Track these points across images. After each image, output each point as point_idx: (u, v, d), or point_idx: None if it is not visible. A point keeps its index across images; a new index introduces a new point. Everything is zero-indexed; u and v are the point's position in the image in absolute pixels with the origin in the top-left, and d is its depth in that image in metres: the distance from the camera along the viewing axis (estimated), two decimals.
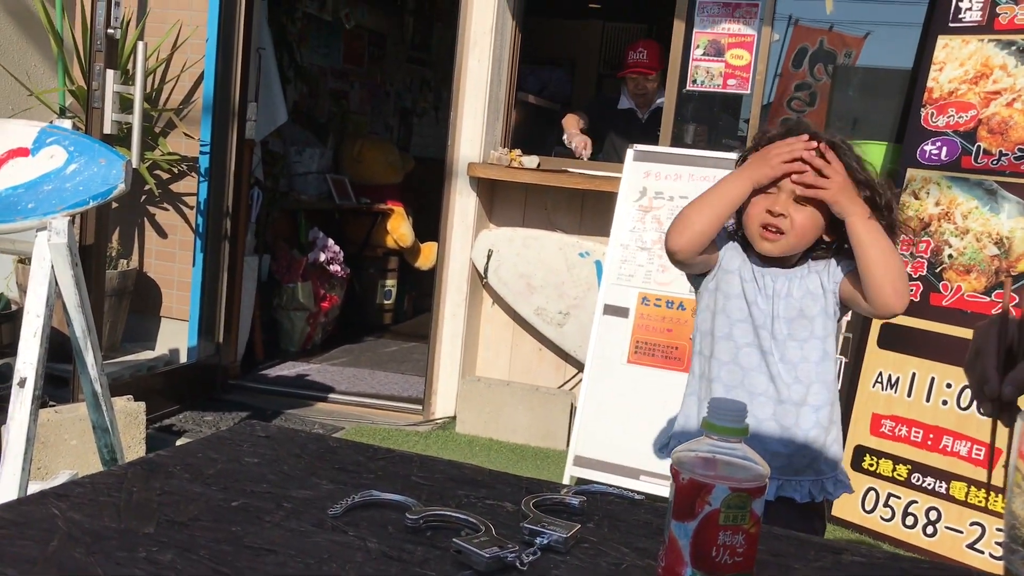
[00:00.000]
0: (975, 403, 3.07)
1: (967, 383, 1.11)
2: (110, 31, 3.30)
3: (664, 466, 1.13)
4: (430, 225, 5.33)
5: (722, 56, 3.92)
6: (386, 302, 6.20)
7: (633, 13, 8.29)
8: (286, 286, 5.18)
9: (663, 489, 2.92)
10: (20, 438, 2.40)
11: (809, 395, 1.73)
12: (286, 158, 5.56)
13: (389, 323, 6.22)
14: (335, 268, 5.41)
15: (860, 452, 3.36)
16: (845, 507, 3.37)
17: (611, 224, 3.51)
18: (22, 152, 2.52)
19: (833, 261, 1.75)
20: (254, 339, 4.92)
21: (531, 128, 5.03)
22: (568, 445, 3.56)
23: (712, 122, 4.80)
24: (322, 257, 5.31)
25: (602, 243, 3.76)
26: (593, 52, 9.10)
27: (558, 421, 4.01)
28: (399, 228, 6.06)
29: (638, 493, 1.16)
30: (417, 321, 6.25)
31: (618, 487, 1.17)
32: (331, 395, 4.51)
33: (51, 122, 2.71)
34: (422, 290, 6.28)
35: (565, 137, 4.49)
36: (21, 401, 2.42)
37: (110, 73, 3.30)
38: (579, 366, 4.09)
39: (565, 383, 4.25)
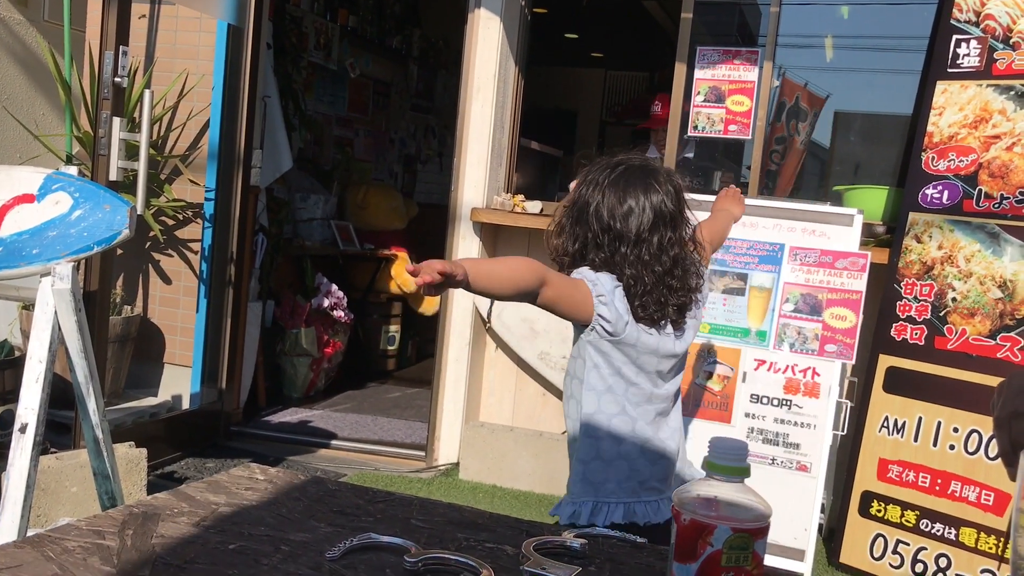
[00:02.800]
0: (983, 449, 3.05)
1: (976, 428, 1.08)
2: (117, 79, 3.35)
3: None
4: None
5: (723, 102, 3.96)
6: (390, 348, 6.19)
7: (635, 62, 8.39)
8: (290, 332, 5.18)
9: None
10: (20, 484, 2.39)
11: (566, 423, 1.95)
12: (291, 204, 5.59)
13: (392, 369, 6.21)
14: (339, 314, 5.41)
15: (867, 498, 3.33)
16: (853, 554, 3.32)
17: None
18: (28, 198, 2.53)
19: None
20: (257, 385, 4.90)
21: (534, 174, 5.07)
22: None
23: (714, 166, 4.84)
24: (326, 303, 5.31)
25: None
26: (596, 100, 9.21)
27: (562, 467, 3.95)
28: (402, 273, 6.07)
29: (641, 537, 1.14)
30: (421, 367, 6.23)
31: (620, 532, 1.15)
32: (334, 441, 4.48)
33: (57, 169, 2.73)
34: (425, 335, 6.27)
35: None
36: (22, 447, 2.41)
37: (116, 121, 3.34)
38: None
39: None
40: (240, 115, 4.28)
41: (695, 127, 4.02)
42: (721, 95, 3.96)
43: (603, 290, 1.74)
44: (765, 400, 3.26)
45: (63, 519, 2.97)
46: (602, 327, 1.75)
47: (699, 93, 3.99)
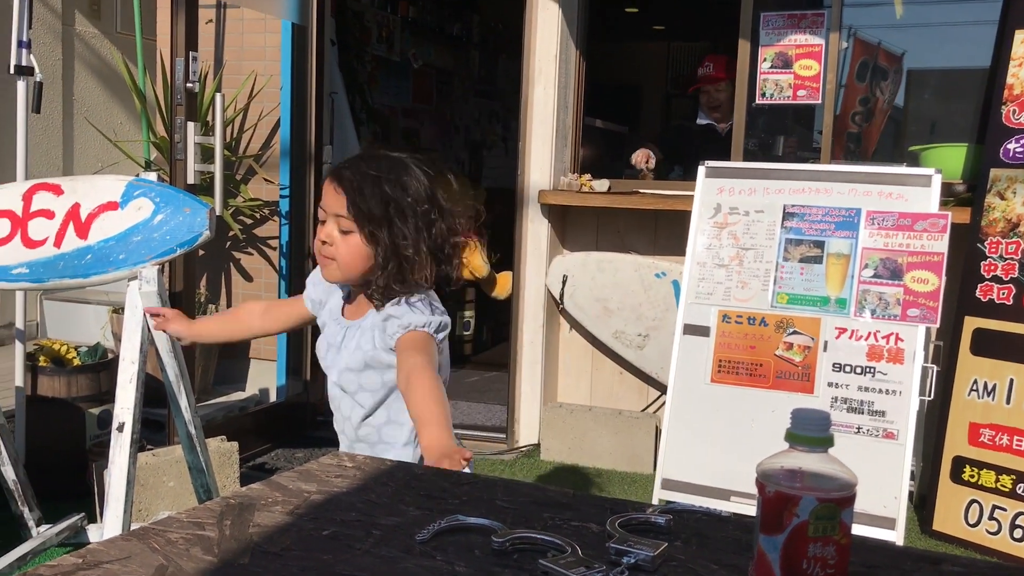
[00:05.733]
0: None
1: None
2: (189, 85, 3.44)
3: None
4: (504, 254, 5.37)
5: (790, 68, 3.88)
6: (465, 333, 6.24)
7: (698, 32, 8.26)
8: None
9: (755, 510, 2.87)
10: (121, 481, 2.49)
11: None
12: None
13: (469, 353, 6.26)
14: None
15: (959, 463, 3.25)
16: (947, 520, 3.25)
17: (686, 243, 3.49)
18: (112, 206, 2.63)
19: (391, 319, 1.72)
20: None
21: (600, 152, 5.04)
22: (655, 468, 3.52)
23: (784, 134, 4.74)
24: None
25: (678, 262, 3.73)
26: (659, 73, 9.09)
27: (643, 444, 3.98)
28: (474, 259, 6.10)
29: (727, 512, 1.14)
30: (496, 350, 6.28)
31: (704, 506, 1.16)
32: None
33: (137, 175, 2.83)
34: (500, 319, 6.30)
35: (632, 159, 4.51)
36: (120, 445, 2.51)
37: (191, 125, 3.43)
38: (661, 388, 4.05)
39: (648, 406, 4.21)
40: (309, 112, 4.36)
41: (763, 94, 3.95)
42: (788, 60, 3.88)
43: (436, 318, 1.74)
44: (848, 368, 3.21)
45: (163, 512, 3.09)
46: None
47: (765, 60, 3.92)
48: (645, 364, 4.11)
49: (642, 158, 4.41)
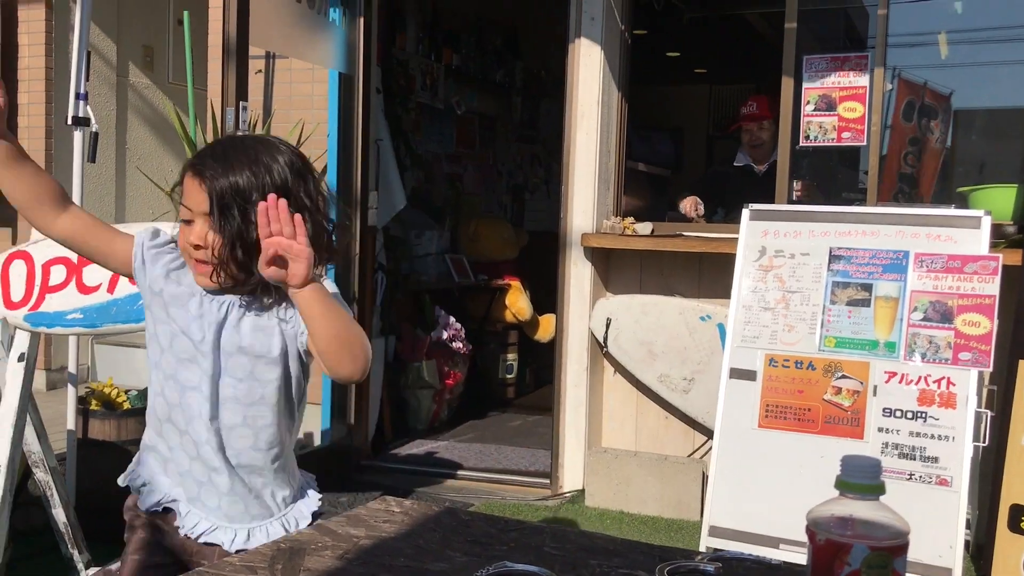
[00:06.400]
0: None
1: None
2: (240, 134, 3.52)
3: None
4: (547, 297, 5.38)
5: (834, 110, 3.87)
6: (508, 376, 6.24)
7: (739, 74, 8.28)
8: (412, 365, 5.29)
9: (804, 559, 2.81)
10: None
11: None
12: (406, 242, 5.74)
13: (512, 397, 6.26)
14: (457, 345, 5.50)
15: (1017, 512, 3.15)
16: (1005, 572, 3.16)
17: (731, 285, 3.47)
18: None
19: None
20: (383, 419, 5.02)
21: (643, 195, 5.06)
22: (702, 515, 3.47)
23: (829, 176, 4.72)
24: (444, 335, 5.41)
25: (723, 305, 3.71)
26: (701, 116, 9.12)
27: (690, 491, 3.92)
28: (517, 302, 6.13)
29: (777, 560, 1.13)
30: (539, 393, 6.26)
31: (754, 555, 1.14)
32: (460, 471, 4.55)
33: None
34: (543, 362, 6.30)
35: (680, 208, 4.52)
36: None
37: None
38: (708, 433, 4.00)
39: (695, 451, 4.16)
40: (355, 159, 4.43)
41: (807, 136, 3.95)
42: (832, 103, 3.88)
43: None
44: (899, 413, 3.15)
45: None
46: None
47: (809, 102, 3.92)
48: (691, 408, 4.07)
49: (691, 206, 4.42)
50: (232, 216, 1.49)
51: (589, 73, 4.16)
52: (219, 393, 1.59)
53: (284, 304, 1.58)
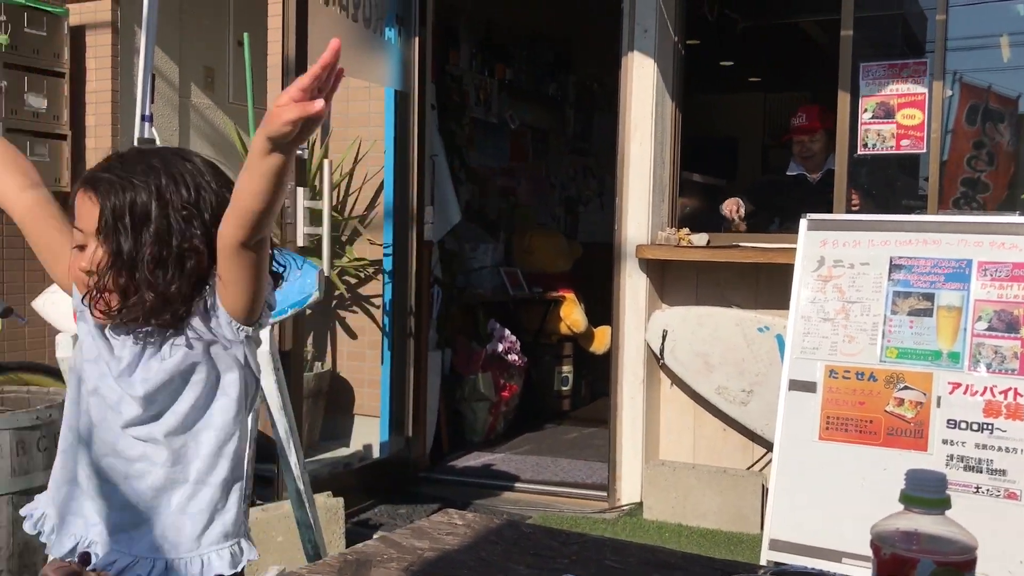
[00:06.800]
0: None
1: None
2: (299, 153, 3.59)
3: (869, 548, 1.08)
4: (602, 309, 5.37)
5: (892, 117, 3.82)
6: (563, 388, 6.25)
7: (794, 82, 8.21)
8: (467, 378, 5.33)
9: (867, 573, 2.77)
10: None
11: None
12: (461, 255, 5.79)
13: (567, 409, 6.25)
14: (513, 358, 5.52)
15: None
16: None
17: (789, 296, 3.44)
18: None
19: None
20: (440, 431, 5.06)
21: (698, 206, 5.03)
22: (762, 529, 3.43)
23: (888, 184, 4.65)
24: (500, 348, 5.43)
25: (782, 316, 3.67)
26: (756, 125, 9.04)
27: (749, 504, 3.89)
28: (572, 314, 6.13)
29: (840, 574, 1.12)
30: (595, 406, 6.25)
31: (817, 568, 1.14)
32: (517, 484, 4.56)
33: None
34: (598, 374, 6.29)
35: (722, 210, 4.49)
36: None
37: (300, 191, 3.58)
38: (767, 445, 3.96)
39: (754, 464, 4.12)
40: (411, 175, 4.49)
41: (864, 144, 3.90)
42: (890, 110, 3.82)
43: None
44: (964, 425, 3.08)
45: (272, 567, 3.17)
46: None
47: (866, 110, 3.87)
48: (749, 420, 4.03)
49: (732, 207, 4.39)
50: (125, 235, 1.33)
51: (642, 85, 4.16)
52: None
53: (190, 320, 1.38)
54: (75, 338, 2.74)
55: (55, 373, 3.50)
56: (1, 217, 5.01)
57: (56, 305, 2.84)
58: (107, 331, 1.40)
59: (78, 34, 5.19)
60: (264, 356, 2.65)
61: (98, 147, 5.19)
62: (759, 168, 8.77)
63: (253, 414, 1.48)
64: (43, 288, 3.56)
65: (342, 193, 4.64)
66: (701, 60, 6.69)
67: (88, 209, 1.35)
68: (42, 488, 2.85)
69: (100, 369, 1.41)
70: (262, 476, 3.90)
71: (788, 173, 4.67)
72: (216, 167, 1.45)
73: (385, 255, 4.57)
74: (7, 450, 2.83)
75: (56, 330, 2.82)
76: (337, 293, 4.59)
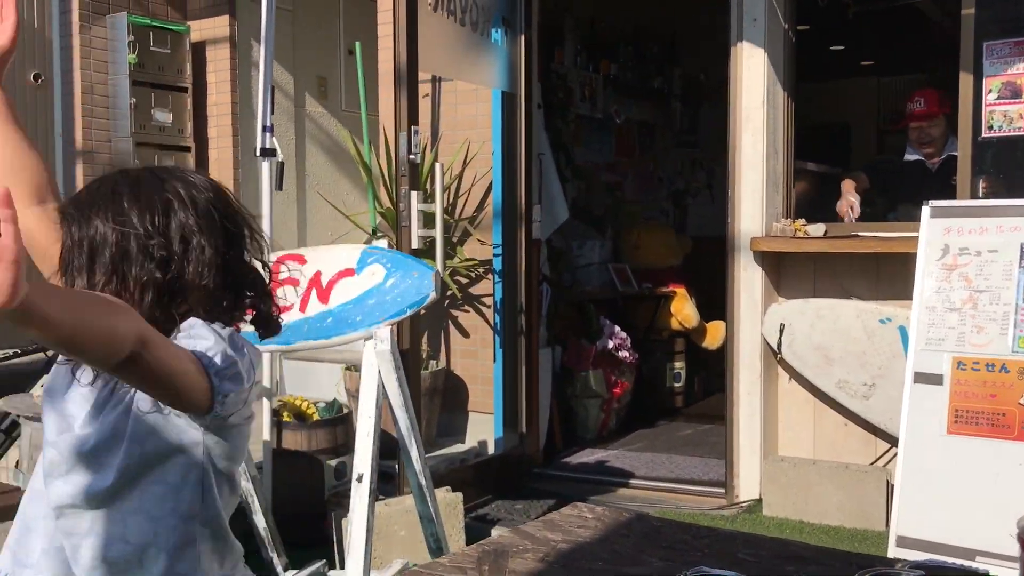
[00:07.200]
0: None
1: None
2: (411, 157, 3.68)
3: (1005, 545, 1.06)
4: (714, 304, 5.30)
5: (1020, 97, 3.65)
6: (676, 385, 6.19)
7: (909, 64, 7.92)
8: (579, 375, 5.34)
9: (1005, 572, 2.66)
10: (361, 530, 2.66)
11: None
12: (569, 253, 5.81)
13: (680, 406, 6.20)
14: (624, 354, 5.50)
15: None
16: None
17: (911, 286, 3.33)
18: (349, 272, 2.85)
19: None
20: (553, 428, 5.09)
21: (813, 195, 4.91)
22: (888, 526, 3.34)
23: (1016, 168, 4.44)
24: (610, 344, 5.43)
25: (904, 307, 3.56)
26: (870, 110, 8.76)
27: (874, 500, 3.78)
28: (683, 309, 6.08)
29: (983, 569, 1.10)
30: (708, 402, 6.18)
31: (958, 563, 1.11)
32: (631, 480, 4.55)
33: (369, 243, 3.05)
34: (711, 370, 6.21)
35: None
36: (360, 495, 2.68)
37: (414, 194, 3.66)
38: (891, 440, 3.84)
39: (877, 459, 4.00)
40: (519, 174, 4.53)
41: (989, 127, 3.74)
42: (1017, 90, 3.66)
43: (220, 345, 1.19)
44: None
45: (396, 561, 3.25)
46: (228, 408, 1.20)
47: (991, 91, 3.71)
48: (872, 415, 3.92)
49: (845, 208, 4.26)
50: (80, 271, 1.21)
51: (752, 75, 4.10)
52: None
53: None
54: None
55: None
56: None
57: None
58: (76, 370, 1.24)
59: (199, 50, 5.43)
60: (385, 355, 2.73)
61: (220, 157, 5.43)
62: (874, 154, 8.49)
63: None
64: None
65: (452, 195, 4.72)
66: (811, 46, 6.53)
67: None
68: None
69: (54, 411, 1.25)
70: (385, 472, 4.00)
71: (906, 158, 4.51)
72: (204, 184, 1.29)
73: (495, 255, 4.63)
74: None
75: None
76: (449, 293, 4.67)
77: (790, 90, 4.21)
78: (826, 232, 4.02)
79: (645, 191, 7.00)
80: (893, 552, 3.18)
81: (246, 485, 3.17)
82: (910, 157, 4.48)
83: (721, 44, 4.26)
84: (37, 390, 3.09)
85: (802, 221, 4.09)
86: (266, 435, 3.67)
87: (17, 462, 3.17)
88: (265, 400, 3.69)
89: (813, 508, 3.88)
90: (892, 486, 3.39)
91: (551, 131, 5.29)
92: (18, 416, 3.17)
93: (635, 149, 6.89)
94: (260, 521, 3.22)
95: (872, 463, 3.99)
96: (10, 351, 3.74)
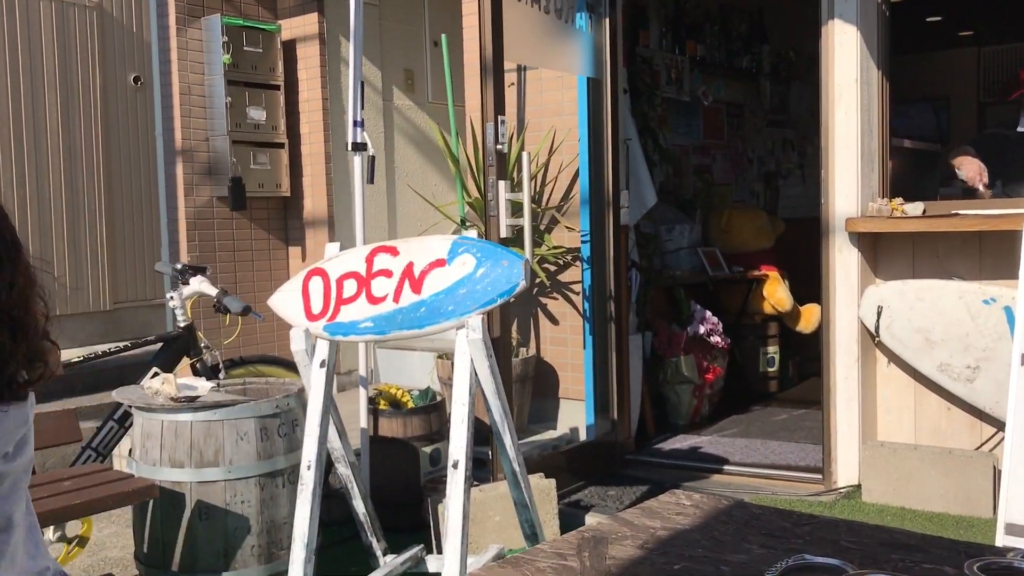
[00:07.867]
0: None
1: None
2: (499, 147, 3.70)
3: None
4: (808, 287, 5.19)
5: None
6: (769, 369, 6.09)
7: (1013, 32, 7.59)
8: (669, 360, 5.31)
9: None
10: (457, 515, 2.70)
11: None
12: (657, 237, 5.76)
13: (774, 391, 6.10)
14: (715, 339, 5.44)
15: None
16: None
17: (1018, 265, 3.20)
18: (440, 263, 2.90)
19: None
20: (644, 414, 5.08)
21: (911, 173, 4.76)
22: (995, 512, 3.23)
23: None
24: (701, 329, 5.38)
25: (1010, 287, 3.43)
26: (970, 82, 8.42)
27: (979, 486, 3.66)
28: (776, 293, 5.97)
29: None
30: (804, 387, 6.06)
31: None
32: (726, 467, 4.51)
33: (460, 234, 3.09)
34: (806, 354, 6.09)
35: (960, 173, 4.20)
36: (455, 482, 2.73)
37: (501, 184, 3.69)
38: (997, 424, 3.71)
39: (983, 444, 3.88)
40: (605, 160, 4.52)
41: None
42: None
43: None
44: None
45: (492, 546, 3.30)
46: None
47: None
48: (977, 398, 3.79)
49: (974, 172, 4.09)
50: None
51: (845, 51, 3.99)
52: None
53: None
54: (307, 332, 2.96)
55: (290, 365, 3.80)
56: (232, 223, 5.46)
57: (287, 303, 3.08)
58: None
59: (289, 48, 5.56)
60: (477, 344, 2.77)
61: (312, 152, 5.55)
62: (974, 129, 8.17)
63: None
64: (270, 288, 3.86)
65: (539, 183, 4.73)
66: (906, 19, 6.31)
67: None
68: (282, 472, 3.08)
69: None
70: (478, 458, 4.05)
71: (1018, 130, 4.32)
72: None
73: (583, 241, 4.63)
74: (252, 436, 3.10)
75: (289, 325, 3.06)
76: (538, 281, 4.69)
77: (884, 65, 4.09)
78: (925, 211, 3.90)
79: (735, 173, 6.89)
80: (1001, 540, 3.08)
81: (345, 471, 3.26)
82: (1023, 129, 4.30)
83: (811, 19, 4.16)
84: (147, 381, 3.24)
85: (899, 200, 3.97)
86: (363, 423, 3.76)
87: (130, 450, 3.32)
88: (361, 389, 3.78)
89: (916, 494, 3.78)
90: (999, 472, 3.28)
91: (637, 116, 5.25)
92: (130, 406, 3.33)
93: (724, 130, 6.78)
94: (360, 507, 3.31)
95: (978, 448, 3.86)
96: (121, 344, 3.92)
